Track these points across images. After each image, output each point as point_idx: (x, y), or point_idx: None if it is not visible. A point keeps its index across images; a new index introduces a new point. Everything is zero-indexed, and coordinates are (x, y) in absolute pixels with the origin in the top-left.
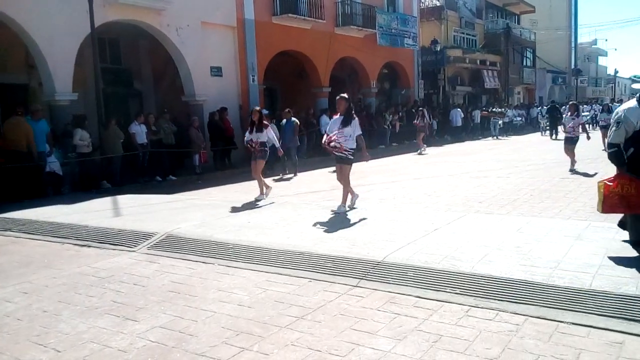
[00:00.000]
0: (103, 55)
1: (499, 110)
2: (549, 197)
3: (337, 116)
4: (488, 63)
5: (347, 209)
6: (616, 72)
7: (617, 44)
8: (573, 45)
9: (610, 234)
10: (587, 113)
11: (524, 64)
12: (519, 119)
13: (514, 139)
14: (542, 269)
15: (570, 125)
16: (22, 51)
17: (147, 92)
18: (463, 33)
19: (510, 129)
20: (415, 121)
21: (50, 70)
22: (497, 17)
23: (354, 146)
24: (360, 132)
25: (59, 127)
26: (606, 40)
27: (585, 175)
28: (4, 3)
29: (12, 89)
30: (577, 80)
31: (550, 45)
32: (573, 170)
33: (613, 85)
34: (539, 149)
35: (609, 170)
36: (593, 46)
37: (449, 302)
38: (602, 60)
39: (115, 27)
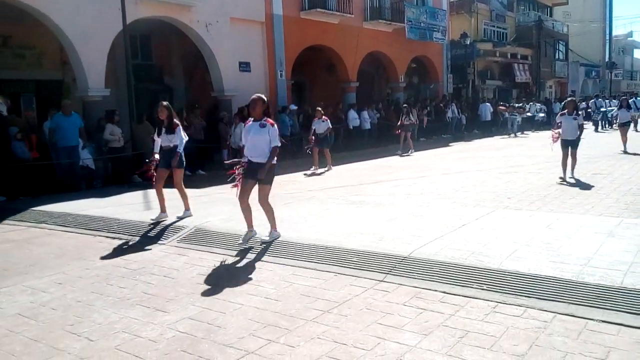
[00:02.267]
0: (134, 52)
1: (518, 105)
2: (580, 194)
3: (251, 122)
4: (519, 56)
5: (279, 232)
6: None
7: None
8: (607, 37)
9: None
10: (614, 108)
11: (556, 57)
12: (541, 115)
13: (537, 135)
14: (572, 265)
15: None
16: (57, 48)
17: (177, 87)
18: (494, 26)
19: (532, 126)
20: (402, 120)
21: (83, 67)
22: (529, 10)
23: (275, 161)
24: (278, 144)
25: (92, 123)
26: None
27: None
28: (39, 1)
29: (48, 85)
30: (611, 73)
31: (583, 37)
32: (563, 179)
33: None
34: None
35: (637, 169)
36: (629, 38)
37: (475, 298)
38: (637, 53)
39: (146, 24)
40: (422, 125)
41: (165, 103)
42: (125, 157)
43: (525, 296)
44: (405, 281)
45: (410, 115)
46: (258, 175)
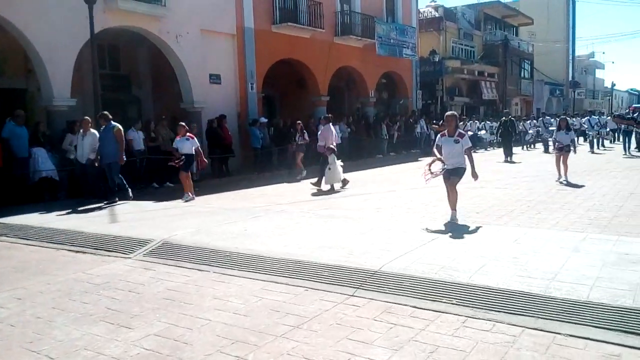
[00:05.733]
0: (102, 61)
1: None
2: (546, 209)
3: None
4: (486, 74)
5: None
6: (613, 84)
7: (615, 57)
8: (571, 57)
9: (608, 245)
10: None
11: (522, 75)
12: (482, 132)
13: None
14: (539, 280)
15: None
16: (21, 56)
17: (145, 98)
18: (462, 44)
19: (481, 145)
20: (295, 140)
21: (48, 76)
22: (496, 29)
23: None
24: None
25: (57, 133)
26: (603, 53)
27: (576, 186)
28: (3, 7)
29: (11, 93)
30: (574, 92)
31: (548, 57)
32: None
33: (610, 97)
34: (530, 161)
35: (600, 185)
36: (590, 59)
37: (445, 313)
38: (599, 73)
39: (115, 33)
40: (392, 141)
41: None
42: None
43: (495, 310)
44: (376, 296)
45: (305, 134)
46: None
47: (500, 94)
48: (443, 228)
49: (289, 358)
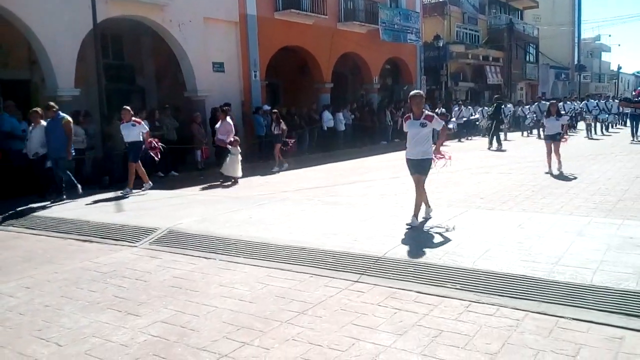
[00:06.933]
0: (105, 51)
1: (441, 111)
2: (550, 193)
3: None
4: (491, 59)
5: None
6: (619, 67)
7: (621, 40)
8: (576, 40)
9: (612, 229)
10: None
11: (527, 59)
12: (475, 116)
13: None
14: (543, 264)
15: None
16: (25, 47)
17: (149, 88)
18: (466, 29)
19: (475, 131)
20: (273, 129)
21: (52, 66)
22: (500, 13)
23: None
24: None
25: None
26: (609, 35)
27: (580, 171)
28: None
29: (15, 85)
30: (580, 76)
31: (553, 40)
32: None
33: (616, 81)
34: (532, 147)
35: (605, 169)
36: (596, 42)
37: (449, 298)
38: (605, 56)
39: (118, 23)
40: (397, 127)
41: None
42: (95, 158)
43: (498, 295)
44: (380, 281)
45: (281, 123)
46: None
47: (505, 79)
48: (446, 214)
49: (294, 343)
